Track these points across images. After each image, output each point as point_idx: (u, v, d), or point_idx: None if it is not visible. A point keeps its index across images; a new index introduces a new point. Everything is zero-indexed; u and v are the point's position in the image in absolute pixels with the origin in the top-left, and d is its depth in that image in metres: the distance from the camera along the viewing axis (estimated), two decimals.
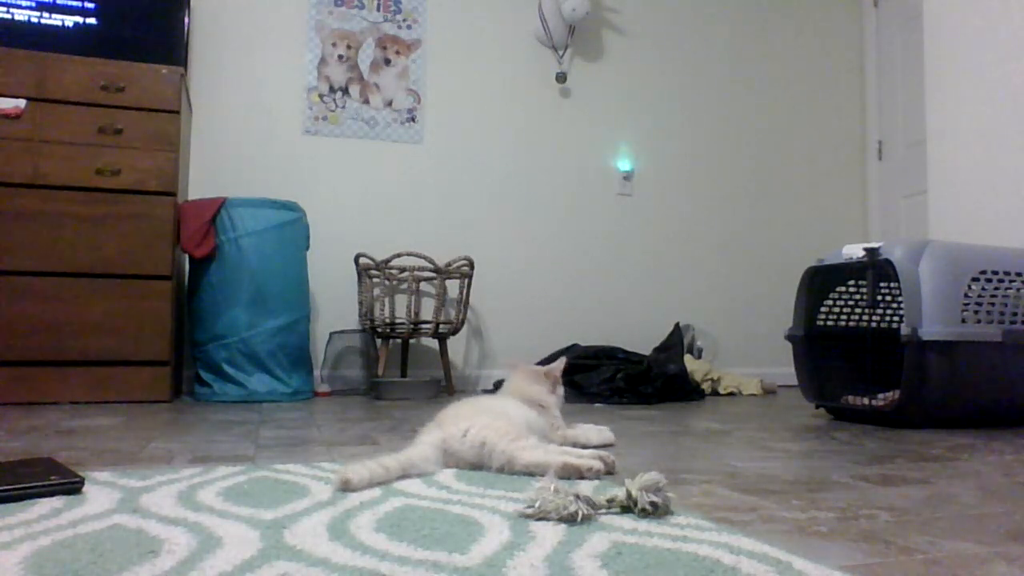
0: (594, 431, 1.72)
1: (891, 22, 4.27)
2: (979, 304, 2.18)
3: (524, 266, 3.79)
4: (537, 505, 0.99)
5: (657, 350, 3.51)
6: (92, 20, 3.02)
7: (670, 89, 4.10)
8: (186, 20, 3.15)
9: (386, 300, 3.28)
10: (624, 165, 3.97)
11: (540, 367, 1.73)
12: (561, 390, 1.70)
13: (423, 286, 3.48)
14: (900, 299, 2.28)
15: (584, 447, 1.60)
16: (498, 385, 3.33)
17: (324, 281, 3.46)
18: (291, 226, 3.04)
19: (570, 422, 1.74)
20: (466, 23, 3.79)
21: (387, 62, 3.65)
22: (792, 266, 4.13)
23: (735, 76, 4.21)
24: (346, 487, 1.16)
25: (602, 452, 1.37)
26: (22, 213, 2.67)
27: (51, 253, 2.70)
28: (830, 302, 2.53)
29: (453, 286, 3.53)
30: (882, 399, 2.25)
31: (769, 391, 3.59)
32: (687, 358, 3.48)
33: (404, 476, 1.26)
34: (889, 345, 2.25)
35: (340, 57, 3.58)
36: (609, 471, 1.31)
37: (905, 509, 1.11)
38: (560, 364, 1.74)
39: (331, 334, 3.43)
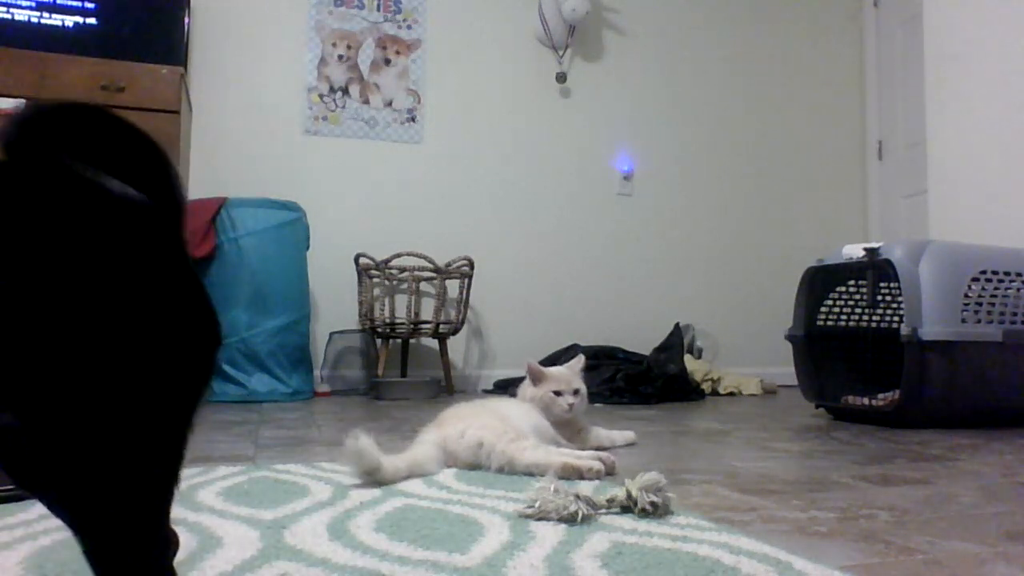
0: (616, 433, 1.76)
1: (891, 22, 4.27)
2: (979, 304, 2.18)
3: (524, 266, 3.79)
4: (537, 505, 0.99)
5: (657, 350, 3.51)
6: (92, 20, 3.02)
7: (670, 89, 4.09)
8: (186, 20, 3.15)
9: (386, 300, 3.28)
10: (624, 165, 3.97)
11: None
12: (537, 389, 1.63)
13: (423, 286, 3.48)
14: (900, 299, 2.28)
15: (609, 449, 1.61)
16: (499, 385, 3.35)
17: (324, 281, 3.45)
18: (291, 226, 3.04)
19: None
20: (466, 23, 3.79)
21: (387, 62, 3.65)
22: (792, 266, 4.11)
23: (735, 76, 4.21)
24: (354, 443, 1.16)
25: (602, 453, 1.37)
26: None
27: None
28: (830, 302, 2.53)
29: (453, 286, 3.53)
30: (882, 399, 2.25)
31: (769, 391, 3.59)
32: (687, 358, 3.48)
33: (409, 476, 1.26)
34: (889, 345, 2.25)
35: (340, 57, 3.58)
36: (609, 472, 1.31)
37: (905, 509, 1.11)
38: (572, 365, 1.72)
39: (331, 334, 3.43)
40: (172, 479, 0.51)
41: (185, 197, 0.53)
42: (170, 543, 0.54)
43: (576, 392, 1.62)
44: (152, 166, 0.50)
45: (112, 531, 0.48)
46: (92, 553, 0.48)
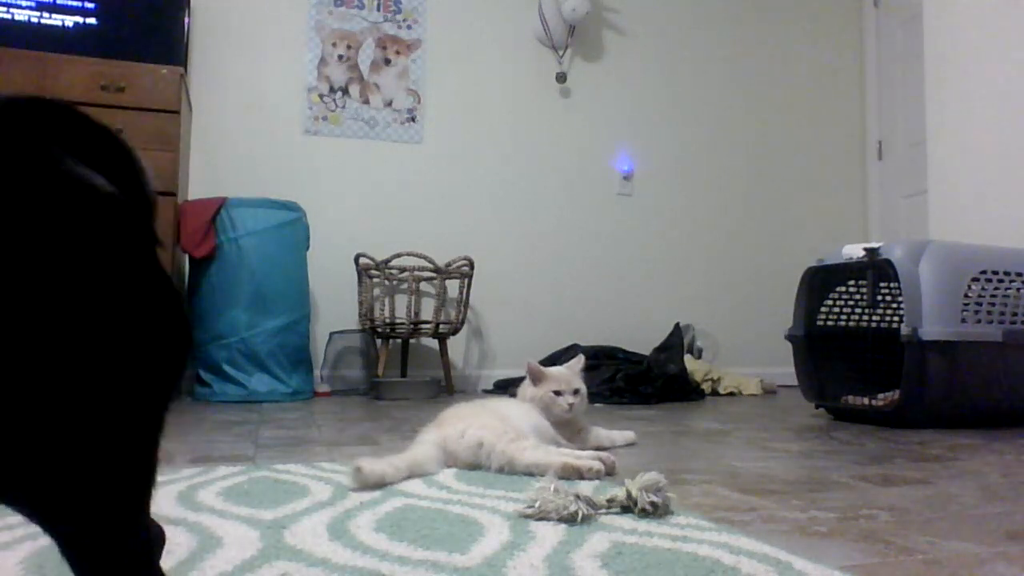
0: (616, 433, 1.76)
1: (891, 22, 4.27)
2: (979, 304, 2.18)
3: (524, 266, 3.79)
4: (537, 505, 0.99)
5: (657, 350, 3.51)
6: (92, 20, 3.02)
7: (670, 89, 4.09)
8: (186, 20, 3.15)
9: (386, 300, 3.28)
10: (624, 165, 3.97)
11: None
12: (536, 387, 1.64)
13: (423, 286, 3.48)
14: (900, 299, 2.28)
15: (609, 449, 1.61)
16: (499, 385, 3.35)
17: (324, 281, 3.45)
18: (291, 226, 3.04)
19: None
20: (466, 23, 3.79)
21: (387, 62, 3.65)
22: (792, 266, 4.11)
23: (735, 76, 4.21)
24: (358, 475, 1.15)
25: (602, 453, 1.37)
26: None
27: None
28: (830, 302, 2.53)
29: (453, 286, 3.53)
30: (882, 399, 2.25)
31: (769, 391, 3.59)
32: (687, 358, 3.48)
33: (410, 476, 1.26)
34: (889, 345, 2.25)
35: (340, 57, 3.58)
36: (609, 472, 1.31)
37: (905, 509, 1.11)
38: (572, 365, 1.72)
39: (331, 334, 3.43)
40: (144, 481, 0.50)
41: (154, 195, 0.53)
42: (152, 543, 0.53)
43: (576, 392, 1.62)
44: (119, 163, 0.50)
45: (87, 534, 0.47)
46: (71, 556, 0.48)
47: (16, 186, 0.43)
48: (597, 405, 2.87)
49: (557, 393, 1.59)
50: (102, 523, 0.48)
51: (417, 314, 3.24)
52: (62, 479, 0.45)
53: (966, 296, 2.16)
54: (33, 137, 0.45)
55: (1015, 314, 2.22)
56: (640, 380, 3.07)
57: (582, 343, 3.56)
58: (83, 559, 0.48)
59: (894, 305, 2.51)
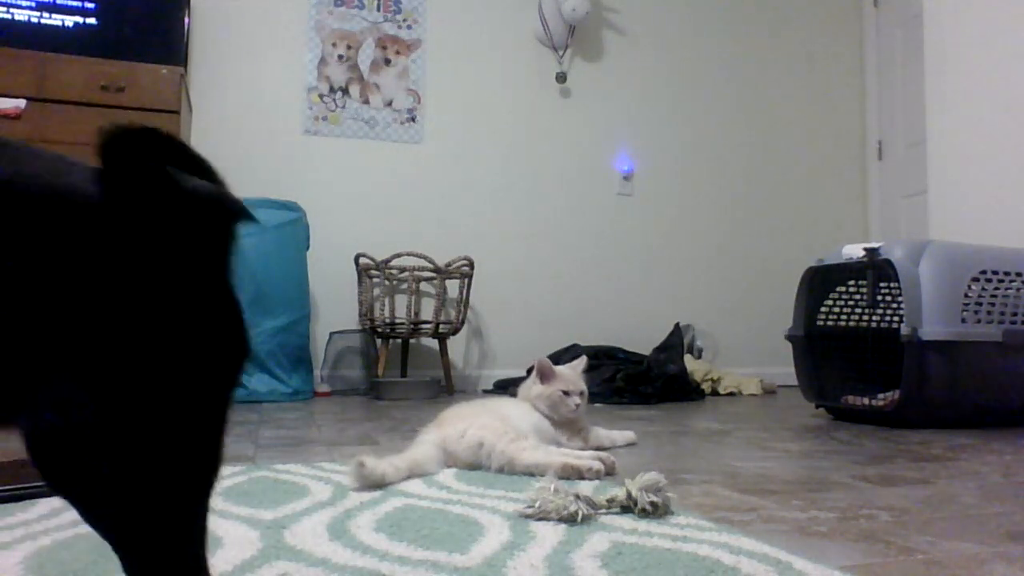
0: (617, 433, 1.76)
1: (891, 22, 4.27)
2: (979, 304, 2.18)
3: (524, 266, 3.79)
4: (537, 505, 0.99)
5: (657, 350, 3.51)
6: (92, 20, 3.02)
7: (670, 89, 4.09)
8: (186, 20, 3.15)
9: (386, 300, 3.28)
10: (624, 165, 3.97)
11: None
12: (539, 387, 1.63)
13: (423, 286, 3.48)
14: (900, 299, 2.28)
15: (610, 450, 1.61)
16: (499, 385, 3.35)
17: (324, 281, 3.45)
18: (291, 226, 3.04)
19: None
20: (466, 23, 3.79)
21: (387, 62, 3.65)
22: (792, 266, 4.11)
23: (735, 76, 4.21)
24: (361, 469, 1.15)
25: (602, 453, 1.37)
26: None
27: None
28: (830, 302, 2.53)
29: (453, 286, 3.53)
30: (882, 399, 2.25)
31: (769, 391, 3.59)
32: (687, 358, 3.48)
33: (410, 476, 1.26)
34: (889, 345, 2.25)
35: (340, 57, 3.58)
36: (609, 472, 1.31)
37: (905, 509, 1.11)
38: (575, 365, 1.72)
39: (331, 334, 3.43)
40: (199, 488, 0.51)
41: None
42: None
43: (582, 393, 1.62)
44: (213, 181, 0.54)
45: (144, 531, 0.48)
46: (125, 559, 0.49)
47: (150, 199, 0.48)
48: (597, 405, 2.87)
49: (566, 393, 1.59)
50: (161, 521, 0.48)
51: (417, 314, 3.24)
52: (119, 479, 0.46)
53: (966, 296, 2.16)
54: (152, 156, 0.50)
55: (1015, 314, 2.22)
56: (640, 380, 3.07)
57: (582, 343, 3.56)
58: (136, 560, 0.48)
59: (894, 305, 2.51)
